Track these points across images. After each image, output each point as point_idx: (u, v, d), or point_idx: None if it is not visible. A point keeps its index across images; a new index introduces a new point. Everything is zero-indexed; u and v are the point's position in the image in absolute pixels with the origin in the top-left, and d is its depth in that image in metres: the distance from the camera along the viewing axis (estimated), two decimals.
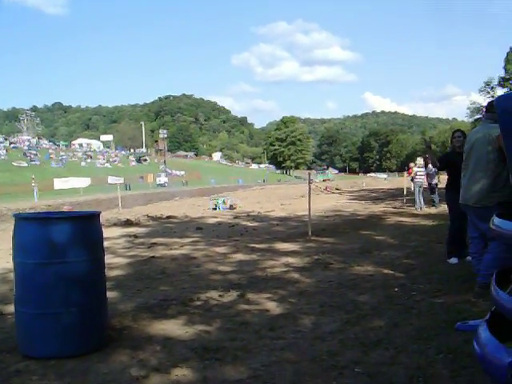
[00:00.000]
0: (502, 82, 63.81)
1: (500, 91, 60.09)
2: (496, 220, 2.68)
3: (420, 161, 19.64)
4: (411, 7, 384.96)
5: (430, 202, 19.72)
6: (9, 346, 4.49)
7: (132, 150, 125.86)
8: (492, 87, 65.10)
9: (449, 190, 8.10)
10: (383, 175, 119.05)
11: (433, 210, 18.09)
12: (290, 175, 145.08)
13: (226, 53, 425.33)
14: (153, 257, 9.41)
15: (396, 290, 6.18)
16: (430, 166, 19.45)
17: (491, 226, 2.70)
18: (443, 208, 18.49)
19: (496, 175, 5.75)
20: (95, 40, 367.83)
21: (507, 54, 65.07)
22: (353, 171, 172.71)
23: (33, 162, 79.72)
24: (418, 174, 19.23)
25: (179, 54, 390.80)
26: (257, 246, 10.47)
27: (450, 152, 8.79)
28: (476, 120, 66.44)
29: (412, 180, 20.32)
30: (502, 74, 64.95)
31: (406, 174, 26.41)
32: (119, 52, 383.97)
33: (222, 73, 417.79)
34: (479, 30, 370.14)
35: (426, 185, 19.84)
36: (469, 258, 7.06)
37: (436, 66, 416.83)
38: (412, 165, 21.53)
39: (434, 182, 19.48)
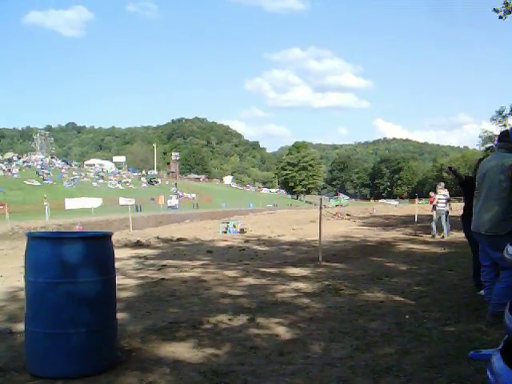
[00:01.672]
0: None
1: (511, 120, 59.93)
2: (510, 249, 2.66)
3: (441, 187, 19.56)
4: (423, 36, 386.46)
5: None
6: (17, 365, 4.48)
7: (144, 172, 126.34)
8: (504, 116, 64.97)
9: (466, 220, 7.87)
10: (394, 202, 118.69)
11: (444, 238, 17.99)
12: (300, 200, 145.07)
13: (239, 78, 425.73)
14: (163, 279, 9.40)
15: (406, 317, 6.13)
16: (444, 192, 19.45)
17: (505, 255, 2.68)
18: (454, 236, 18.43)
19: (508, 204, 5.76)
20: (110, 62, 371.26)
21: None
22: (364, 197, 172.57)
23: (45, 181, 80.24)
24: (440, 201, 19.11)
25: (192, 78, 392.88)
26: (267, 270, 10.44)
27: (472, 177, 8.58)
28: (487, 148, 66.20)
29: (434, 208, 20.08)
30: None
31: (417, 201, 26.35)
32: (133, 74, 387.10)
33: (235, 97, 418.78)
34: (492, 59, 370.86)
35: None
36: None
37: (447, 94, 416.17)
38: (432, 194, 21.37)
39: (445, 209, 19.36)
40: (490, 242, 5.96)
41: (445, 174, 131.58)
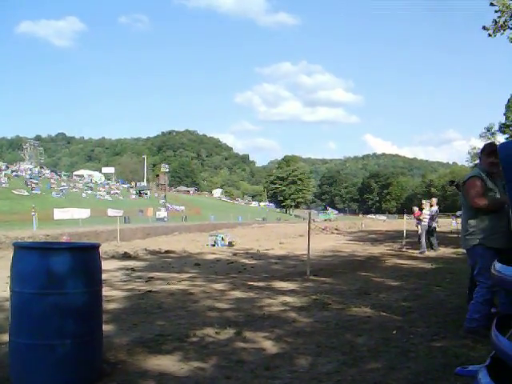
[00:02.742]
0: (503, 128, 64.20)
1: (500, 137, 60.49)
2: (497, 265, 2.66)
3: (429, 203, 19.61)
4: (414, 54, 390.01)
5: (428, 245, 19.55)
6: (1, 376, 4.43)
7: (133, 184, 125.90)
8: (492, 133, 65.54)
9: None
10: (382, 217, 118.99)
11: (432, 253, 18.03)
12: (289, 214, 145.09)
13: (229, 91, 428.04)
14: (150, 291, 9.36)
15: (394, 332, 6.11)
16: (434, 208, 19.50)
17: (493, 272, 2.68)
18: (442, 251, 18.50)
19: (466, 220, 6.05)
20: (101, 73, 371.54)
21: (508, 100, 65.66)
22: (352, 212, 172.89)
23: (34, 191, 79.71)
24: (425, 217, 19.16)
25: (183, 91, 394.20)
26: (255, 283, 10.42)
27: None
28: (476, 165, 66.64)
29: (419, 223, 20.05)
30: (503, 120, 65.47)
31: (405, 216, 26.46)
32: (124, 86, 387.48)
33: (226, 111, 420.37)
34: (481, 76, 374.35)
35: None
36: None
37: (437, 111, 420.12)
38: (416, 208, 21.29)
39: (433, 225, 19.42)
40: (467, 256, 6.30)
41: (433, 190, 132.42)
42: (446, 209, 76.74)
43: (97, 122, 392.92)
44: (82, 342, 4.28)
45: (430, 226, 19.27)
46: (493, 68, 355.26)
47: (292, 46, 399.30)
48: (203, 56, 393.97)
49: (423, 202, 20.46)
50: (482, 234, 5.78)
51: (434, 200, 20.42)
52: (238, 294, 9.17)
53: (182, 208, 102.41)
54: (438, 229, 20.48)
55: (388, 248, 21.19)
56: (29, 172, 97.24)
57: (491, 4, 18.27)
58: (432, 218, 19.26)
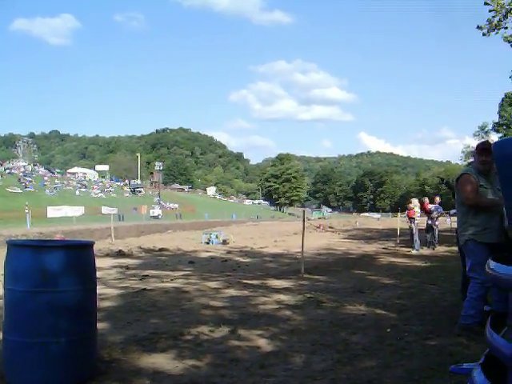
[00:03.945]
0: (497, 127, 64.37)
1: (494, 136, 60.65)
2: (491, 264, 2.66)
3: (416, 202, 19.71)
4: (408, 52, 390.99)
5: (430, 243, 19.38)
6: None
7: (127, 181, 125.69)
8: (486, 132, 65.71)
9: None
10: (376, 215, 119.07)
11: (425, 251, 18.06)
12: (283, 212, 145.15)
13: (224, 89, 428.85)
14: (144, 289, 9.34)
15: (388, 330, 6.12)
16: (436, 205, 19.58)
17: (487, 270, 2.67)
18: (436, 249, 18.54)
19: (460, 217, 6.14)
20: (95, 71, 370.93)
21: (502, 99, 65.83)
22: (346, 210, 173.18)
23: (27, 189, 79.48)
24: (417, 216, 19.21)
25: (177, 89, 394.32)
26: (249, 281, 10.41)
27: None
28: (470, 163, 66.83)
29: (412, 221, 19.93)
30: (497, 119, 65.65)
31: (399, 214, 26.52)
32: (118, 84, 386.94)
33: (220, 109, 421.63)
34: (475, 75, 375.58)
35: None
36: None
37: (431, 109, 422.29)
38: (411, 206, 21.18)
39: (429, 223, 19.45)
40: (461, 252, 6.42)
41: (427, 188, 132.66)
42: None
43: (91, 119, 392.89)
44: (75, 340, 4.26)
45: (428, 224, 19.40)
46: (487, 67, 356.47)
47: (287, 45, 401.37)
48: (198, 54, 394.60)
49: (412, 200, 20.44)
50: (473, 229, 5.84)
51: (437, 199, 20.51)
52: (232, 292, 9.15)
53: (176, 206, 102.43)
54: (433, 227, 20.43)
55: (382, 246, 21.21)
56: (22, 169, 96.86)
57: (485, 3, 18.28)
58: (431, 216, 19.33)
